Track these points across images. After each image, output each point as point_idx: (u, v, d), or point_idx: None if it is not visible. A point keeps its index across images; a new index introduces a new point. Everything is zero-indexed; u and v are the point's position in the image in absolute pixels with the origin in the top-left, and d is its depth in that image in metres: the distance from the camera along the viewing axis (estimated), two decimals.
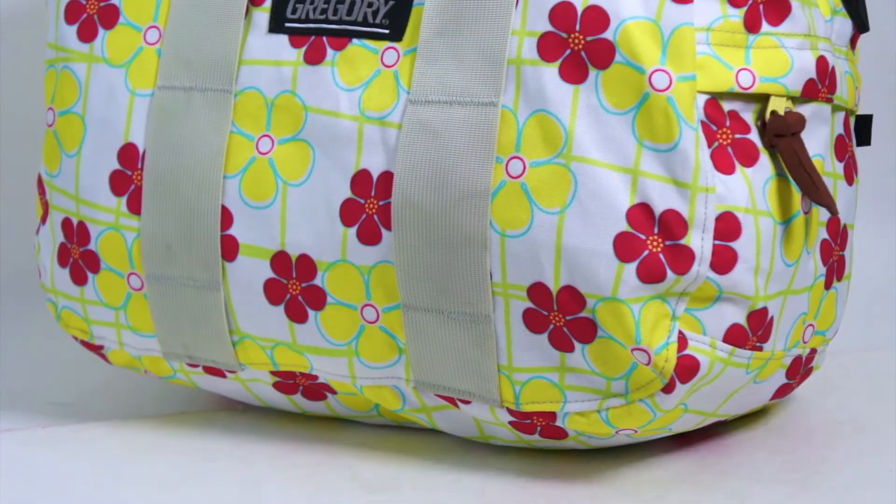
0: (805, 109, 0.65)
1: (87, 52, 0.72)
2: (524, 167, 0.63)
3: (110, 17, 0.72)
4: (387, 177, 0.65)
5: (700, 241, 0.62)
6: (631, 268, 0.62)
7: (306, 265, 0.67)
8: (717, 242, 0.62)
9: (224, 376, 0.73)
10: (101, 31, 0.72)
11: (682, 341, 0.63)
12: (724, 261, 0.62)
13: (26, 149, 0.94)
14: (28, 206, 0.93)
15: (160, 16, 0.71)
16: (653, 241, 0.62)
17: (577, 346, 0.63)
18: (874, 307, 0.93)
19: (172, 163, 0.69)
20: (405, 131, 0.65)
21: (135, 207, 0.71)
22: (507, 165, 0.63)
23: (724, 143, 0.63)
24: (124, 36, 0.72)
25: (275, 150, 0.68)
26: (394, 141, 0.65)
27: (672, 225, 0.61)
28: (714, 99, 0.63)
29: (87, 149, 0.72)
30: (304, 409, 0.75)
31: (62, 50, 0.73)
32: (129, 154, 0.71)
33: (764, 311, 0.64)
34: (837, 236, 0.68)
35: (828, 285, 0.68)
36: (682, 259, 0.62)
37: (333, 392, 0.72)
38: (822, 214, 0.67)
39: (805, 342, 0.68)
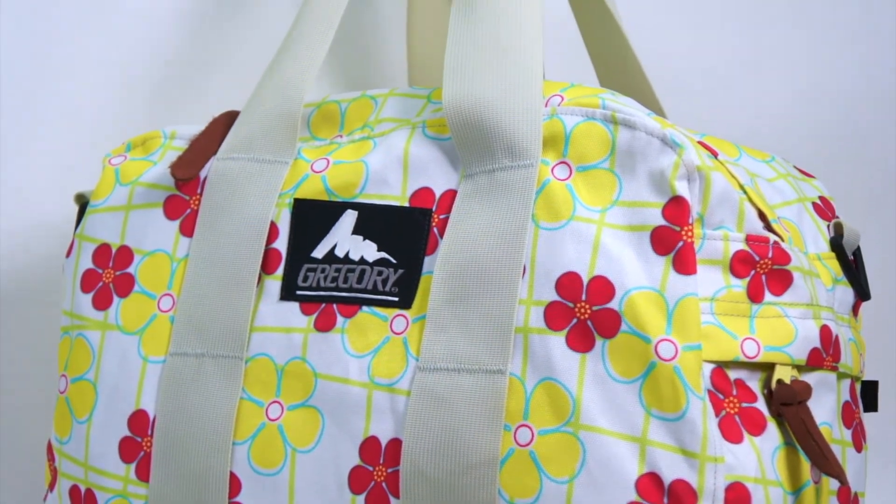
0: (811, 378, 0.66)
1: (102, 320, 0.74)
2: (532, 435, 0.63)
3: (126, 285, 0.74)
4: (395, 444, 0.65)
5: None
6: None
7: None
8: None
9: None
10: (115, 299, 0.74)
11: None
12: None
13: (33, 415, 0.94)
14: (35, 473, 0.92)
15: (174, 284, 0.73)
16: None
17: None
18: None
19: (182, 429, 0.70)
20: (414, 399, 0.65)
21: (143, 474, 0.71)
22: (515, 433, 0.63)
23: (732, 412, 0.63)
24: (139, 304, 0.73)
25: (284, 417, 0.68)
26: (402, 408, 0.65)
27: (681, 495, 0.61)
28: (720, 368, 0.63)
29: (98, 415, 0.72)
30: None
31: (77, 318, 0.74)
32: (139, 421, 0.71)
33: None
34: None
35: None
36: None
37: None
38: (832, 483, 0.66)
39: None
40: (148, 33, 0.92)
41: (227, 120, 0.76)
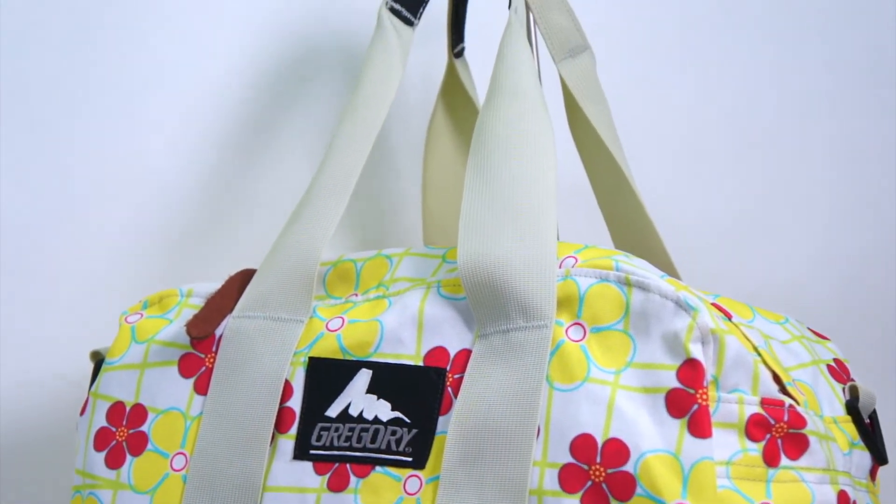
0: None
1: (114, 479, 0.73)
2: None
3: (139, 444, 0.73)
4: None
5: None
6: None
7: None
8: None
9: None
10: (128, 457, 0.73)
11: None
12: None
13: None
14: None
15: (188, 442, 0.72)
16: None
17: None
18: None
19: None
20: None
21: None
22: None
23: None
24: (151, 462, 0.73)
25: None
26: None
27: None
28: None
29: None
30: None
31: (89, 477, 0.74)
32: None
33: None
34: None
35: None
36: None
37: None
38: None
39: None
40: (165, 191, 0.93)
41: (243, 278, 0.76)
